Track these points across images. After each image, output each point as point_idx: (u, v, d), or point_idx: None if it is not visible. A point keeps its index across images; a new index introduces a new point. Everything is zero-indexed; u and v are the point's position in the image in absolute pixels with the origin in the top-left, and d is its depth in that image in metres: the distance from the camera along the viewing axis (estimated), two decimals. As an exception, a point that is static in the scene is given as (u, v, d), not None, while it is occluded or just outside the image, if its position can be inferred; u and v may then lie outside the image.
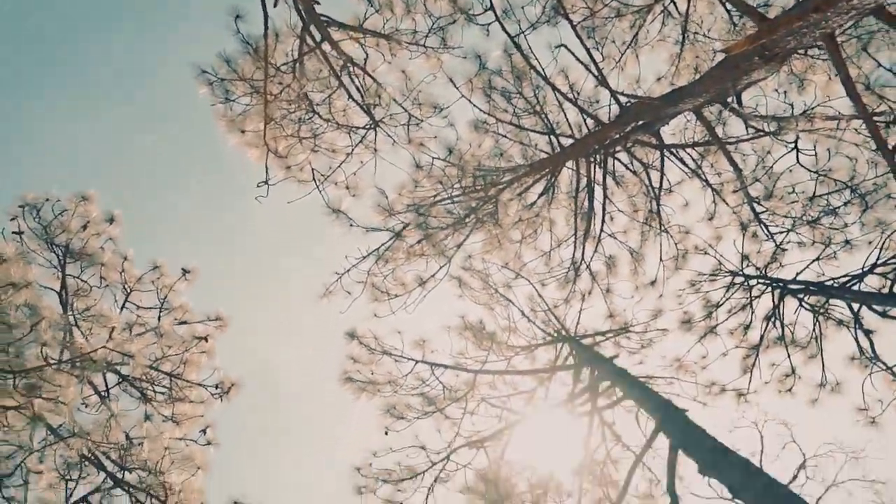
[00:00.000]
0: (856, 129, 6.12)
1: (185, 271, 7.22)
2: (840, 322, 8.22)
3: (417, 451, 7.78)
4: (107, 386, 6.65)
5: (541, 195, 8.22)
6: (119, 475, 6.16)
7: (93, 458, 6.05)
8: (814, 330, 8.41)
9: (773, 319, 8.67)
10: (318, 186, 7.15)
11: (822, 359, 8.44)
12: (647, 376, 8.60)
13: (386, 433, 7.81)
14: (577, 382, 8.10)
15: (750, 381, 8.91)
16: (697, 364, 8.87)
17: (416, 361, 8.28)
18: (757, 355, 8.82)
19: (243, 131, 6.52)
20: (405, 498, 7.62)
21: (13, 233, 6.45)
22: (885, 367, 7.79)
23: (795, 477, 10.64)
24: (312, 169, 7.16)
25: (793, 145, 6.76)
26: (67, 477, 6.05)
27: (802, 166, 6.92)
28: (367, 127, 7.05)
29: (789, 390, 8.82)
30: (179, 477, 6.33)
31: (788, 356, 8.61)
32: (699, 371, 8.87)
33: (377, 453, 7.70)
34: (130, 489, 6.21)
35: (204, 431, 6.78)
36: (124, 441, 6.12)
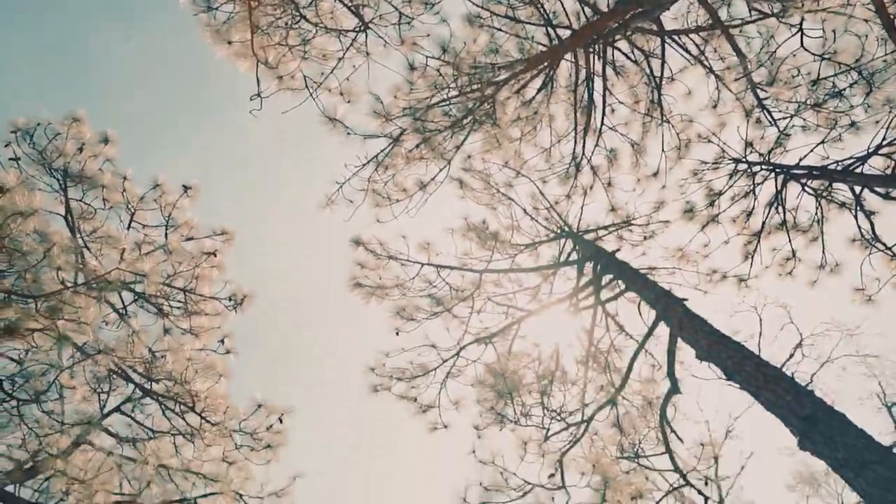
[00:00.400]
0: (864, 5, 5.84)
1: (185, 188, 7.22)
2: (842, 205, 8.24)
3: (428, 349, 8.12)
4: (123, 304, 6.86)
5: (539, 90, 8.03)
6: (147, 386, 6.51)
7: (120, 371, 6.37)
8: (816, 214, 8.45)
9: (775, 205, 8.69)
10: (311, 94, 6.98)
11: (823, 242, 8.55)
12: (649, 268, 8.78)
13: (397, 334, 8.12)
14: (581, 277, 8.30)
15: (751, 267, 9.08)
16: (699, 253, 9.00)
17: (422, 264, 8.45)
18: (758, 241, 8.92)
19: (230, 42, 6.29)
20: (418, 393, 8.05)
21: (10, 159, 6.43)
22: (884, 248, 7.90)
23: (791, 356, 11.10)
24: (304, 77, 6.97)
25: (797, 28, 6.49)
26: (99, 390, 6.42)
27: (807, 50, 6.67)
28: (357, 29, 6.78)
29: (789, 273, 9.00)
30: (204, 385, 6.68)
31: (790, 240, 8.72)
32: (701, 260, 9.02)
33: (390, 354, 8.06)
34: (159, 398, 6.58)
35: (222, 341, 7.05)
36: (148, 355, 6.40)
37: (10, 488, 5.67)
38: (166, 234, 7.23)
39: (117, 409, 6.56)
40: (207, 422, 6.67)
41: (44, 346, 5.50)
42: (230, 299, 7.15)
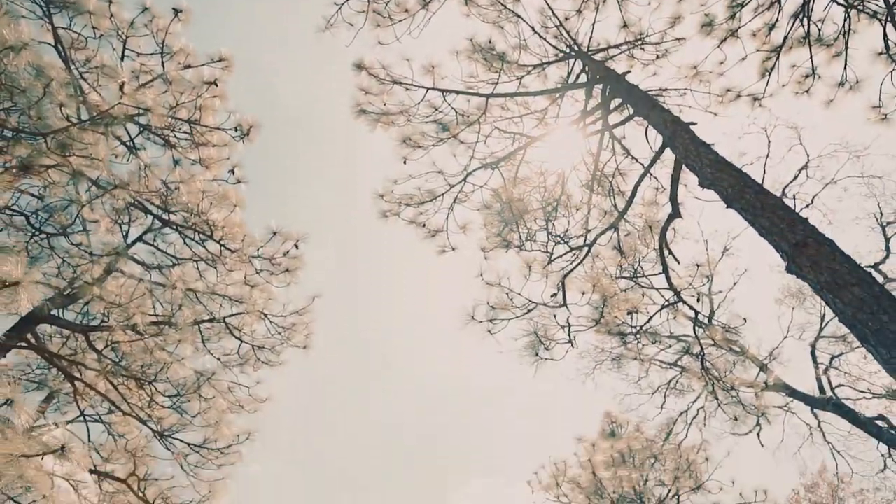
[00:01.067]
0: None
1: (176, 11, 6.87)
2: (873, 15, 7.78)
3: (435, 175, 8.20)
4: (130, 137, 6.87)
5: None
6: (165, 217, 6.77)
7: (138, 204, 6.59)
8: (843, 26, 8.02)
9: (801, 17, 8.22)
10: None
11: (846, 57, 8.21)
12: (660, 89, 8.51)
13: (404, 162, 8.15)
14: (589, 100, 8.10)
15: (766, 85, 8.81)
16: (713, 72, 8.67)
17: (427, 89, 8.22)
18: (778, 57, 8.57)
19: None
20: (427, 219, 8.29)
21: (-17, -18, 6.06)
22: (909, 62, 7.60)
23: (796, 177, 11.12)
24: None
25: None
26: (120, 221, 6.69)
27: None
28: None
29: (806, 91, 8.77)
30: (220, 214, 6.93)
31: (811, 56, 8.37)
32: (714, 79, 8.72)
33: (398, 181, 8.15)
34: (178, 228, 6.87)
35: (232, 171, 7.16)
36: (162, 187, 6.57)
37: (54, 312, 6.16)
38: (163, 63, 7.02)
39: (140, 239, 6.88)
40: (227, 248, 7.03)
41: (60, 182, 5.65)
42: (236, 129, 7.13)
